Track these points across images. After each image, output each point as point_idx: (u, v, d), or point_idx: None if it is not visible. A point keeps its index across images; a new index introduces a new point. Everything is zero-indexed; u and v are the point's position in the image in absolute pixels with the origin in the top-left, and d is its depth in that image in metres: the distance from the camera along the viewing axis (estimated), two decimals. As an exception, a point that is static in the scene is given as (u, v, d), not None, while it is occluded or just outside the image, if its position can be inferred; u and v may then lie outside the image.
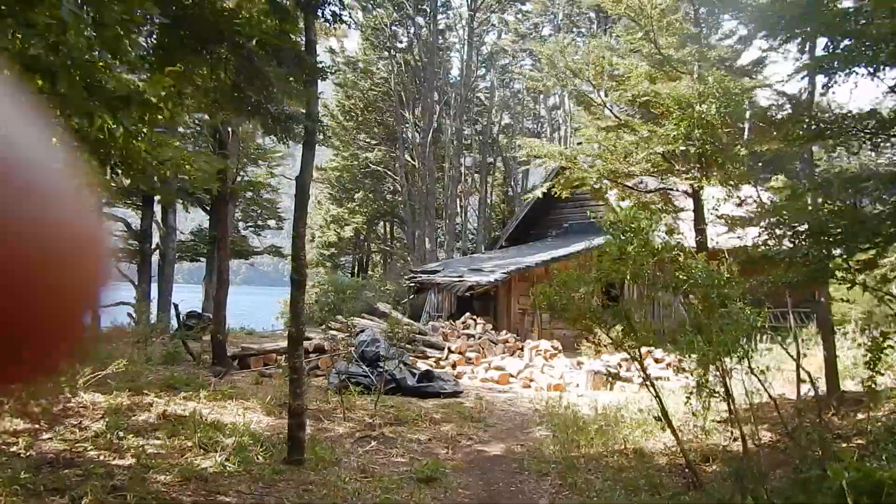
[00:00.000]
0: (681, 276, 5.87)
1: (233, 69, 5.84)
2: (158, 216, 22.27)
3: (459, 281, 17.37)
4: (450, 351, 12.82)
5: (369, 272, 35.12)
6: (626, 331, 6.34)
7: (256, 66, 5.71)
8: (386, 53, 33.05)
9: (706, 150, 9.67)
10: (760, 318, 5.75)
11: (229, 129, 11.66)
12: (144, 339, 12.66)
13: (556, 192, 13.48)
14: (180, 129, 21.67)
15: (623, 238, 6.45)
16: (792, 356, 6.65)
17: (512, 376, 11.78)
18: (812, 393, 6.42)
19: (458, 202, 35.68)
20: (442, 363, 12.50)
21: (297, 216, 6.11)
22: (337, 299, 23.12)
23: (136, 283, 21.81)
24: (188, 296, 24.54)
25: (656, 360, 13.56)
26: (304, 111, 6.70)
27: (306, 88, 5.89)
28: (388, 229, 37.31)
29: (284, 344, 12.28)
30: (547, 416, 8.84)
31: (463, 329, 15.06)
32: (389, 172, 33.08)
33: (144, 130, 5.90)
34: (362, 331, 12.93)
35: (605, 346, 16.33)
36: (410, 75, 33.22)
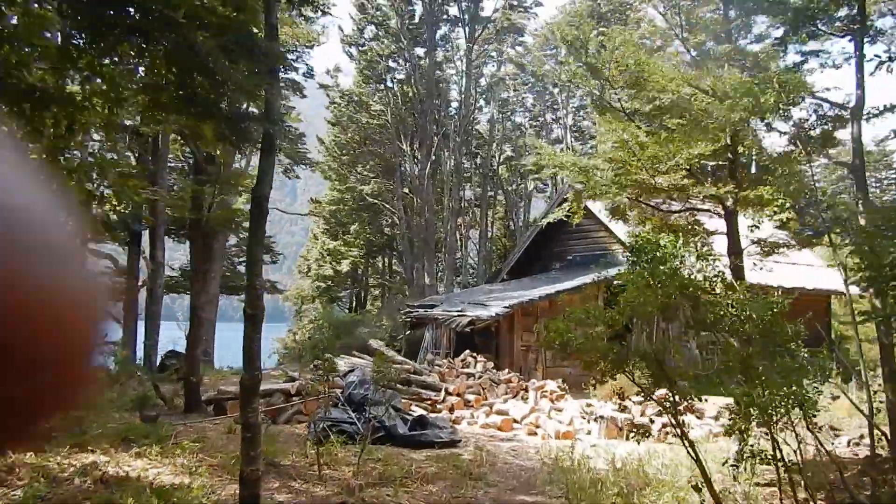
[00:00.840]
0: (727, 312, 4.67)
1: (176, 60, 4.75)
2: (147, 251, 21.19)
3: (459, 316, 16.15)
4: (447, 392, 11.56)
5: (368, 307, 33.88)
6: (656, 376, 5.14)
7: (204, 56, 4.62)
8: (382, 86, 32.30)
9: (744, 159, 8.45)
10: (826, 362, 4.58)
11: (204, 153, 10.59)
12: (114, 382, 11.44)
13: (569, 213, 12.26)
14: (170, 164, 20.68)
15: (647, 265, 5.27)
16: (856, 405, 5.44)
17: (516, 422, 10.51)
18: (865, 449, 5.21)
19: (457, 235, 34.61)
20: (438, 406, 11.23)
21: (253, 237, 4.97)
22: (331, 335, 21.89)
23: (122, 322, 20.64)
24: (179, 334, 23.36)
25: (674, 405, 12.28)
26: (271, 113, 5.57)
27: (266, 83, 4.80)
28: (386, 263, 36.17)
29: (267, 387, 11.05)
30: (557, 472, 7.58)
31: (462, 368, 13.80)
32: (387, 205, 32.05)
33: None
34: (350, 370, 11.71)
35: (617, 389, 15.07)
36: (408, 107, 32.42)
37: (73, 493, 5.89)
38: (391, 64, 32.35)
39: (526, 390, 13.21)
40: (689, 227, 10.39)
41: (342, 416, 9.12)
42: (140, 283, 21.07)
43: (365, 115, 32.40)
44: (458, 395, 11.60)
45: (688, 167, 9.25)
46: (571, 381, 16.66)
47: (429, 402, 11.26)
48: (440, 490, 6.70)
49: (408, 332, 18.69)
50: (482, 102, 36.83)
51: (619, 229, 19.60)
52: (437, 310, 17.31)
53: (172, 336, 19.28)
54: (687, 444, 5.01)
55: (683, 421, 5.60)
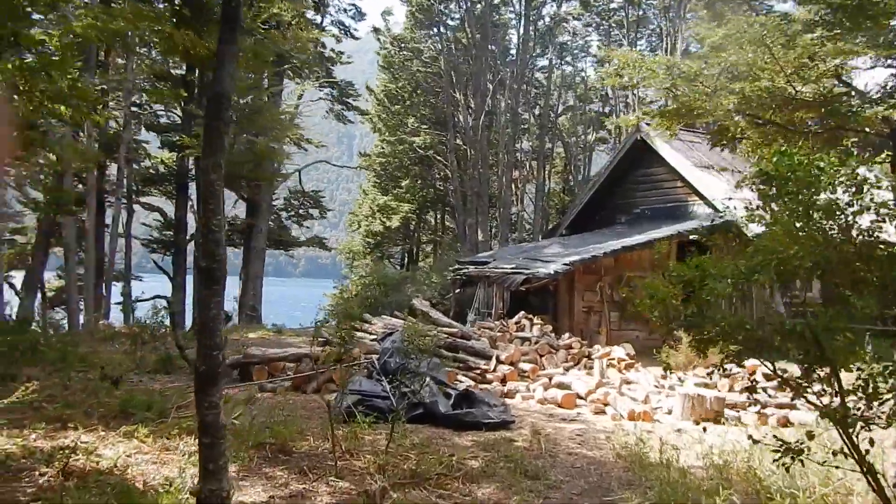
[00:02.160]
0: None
1: None
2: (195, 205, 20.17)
3: (513, 273, 14.52)
4: (499, 361, 10.01)
5: (420, 263, 32.52)
6: (812, 358, 3.43)
7: None
8: (434, 31, 30.32)
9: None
10: None
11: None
12: (136, 341, 10.32)
13: (658, 126, 10.17)
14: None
15: (795, 200, 3.52)
16: None
17: (580, 397, 8.89)
18: None
19: (513, 190, 32.74)
20: (488, 377, 9.70)
21: (209, 156, 3.43)
22: (380, 293, 20.59)
23: (172, 276, 19.78)
24: (230, 289, 22.46)
25: (767, 377, 10.47)
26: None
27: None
28: (438, 219, 34.62)
29: (296, 351, 9.73)
30: (636, 468, 5.97)
31: (516, 331, 12.23)
32: (439, 158, 30.35)
33: None
34: (389, 334, 10.27)
35: (694, 358, 13.24)
36: (462, 54, 30.42)
37: (20, 492, 4.60)
38: (444, 7, 30.30)
39: (589, 358, 11.58)
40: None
41: (374, 388, 7.67)
42: (188, 237, 20.15)
43: (417, 63, 30.58)
44: (511, 363, 10.04)
45: (838, 76, 7.21)
46: (639, 347, 14.91)
47: (477, 372, 9.74)
48: (488, 495, 5.18)
49: (457, 291, 17.17)
50: (540, 49, 34.42)
51: (700, 178, 17.50)
52: (488, 267, 15.70)
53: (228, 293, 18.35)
54: (864, 470, 3.29)
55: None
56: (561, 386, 9.21)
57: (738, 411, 8.46)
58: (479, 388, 9.23)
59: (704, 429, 6.44)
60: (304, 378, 8.81)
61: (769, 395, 9.14)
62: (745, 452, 6.16)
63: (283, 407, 7.49)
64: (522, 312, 12.97)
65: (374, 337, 10.55)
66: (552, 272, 13.89)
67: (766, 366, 3.89)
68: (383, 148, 30.66)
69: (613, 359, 11.33)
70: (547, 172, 35.45)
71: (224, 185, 3.56)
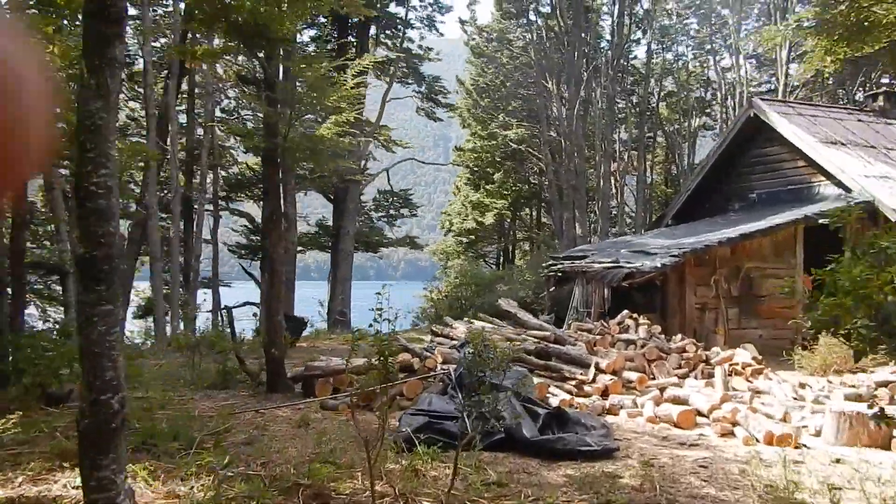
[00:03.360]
0: None
1: None
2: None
3: (614, 267, 12.76)
4: (598, 369, 8.35)
5: (516, 262, 30.95)
6: None
7: None
8: (524, 20, 28.69)
9: None
10: None
11: (279, 67, 8.01)
12: (194, 353, 9.42)
13: (817, 48, 8.31)
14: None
15: None
16: None
17: (700, 414, 7.13)
18: None
19: (612, 182, 30.57)
20: (586, 389, 8.08)
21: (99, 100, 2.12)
22: (471, 294, 19.25)
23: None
24: (316, 292, 21.85)
25: (934, 384, 8.31)
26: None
27: None
28: (533, 215, 32.89)
29: (360, 361, 8.48)
30: (790, 524, 4.28)
31: (619, 333, 10.51)
32: (532, 151, 28.68)
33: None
34: (468, 342, 8.83)
35: (832, 360, 11.03)
36: (553, 43, 28.61)
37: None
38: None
39: (707, 363, 9.72)
40: None
41: (446, 407, 6.28)
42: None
43: (506, 55, 29.06)
44: (613, 372, 8.37)
45: None
46: (762, 348, 12.80)
47: (573, 384, 8.14)
48: (581, 569, 3.66)
49: (552, 290, 15.52)
50: (638, 33, 32.02)
51: (827, 155, 15.05)
52: (586, 261, 13.98)
53: (314, 296, 17.57)
54: None
55: None
56: (676, 400, 7.48)
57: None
58: (574, 402, 7.66)
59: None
60: (370, 394, 7.52)
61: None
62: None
63: (339, 431, 6.25)
64: (626, 311, 11.22)
65: (455, 343, 9.15)
66: (659, 265, 12.05)
67: None
68: (474, 143, 29.31)
69: (737, 364, 9.45)
70: (648, 163, 33.02)
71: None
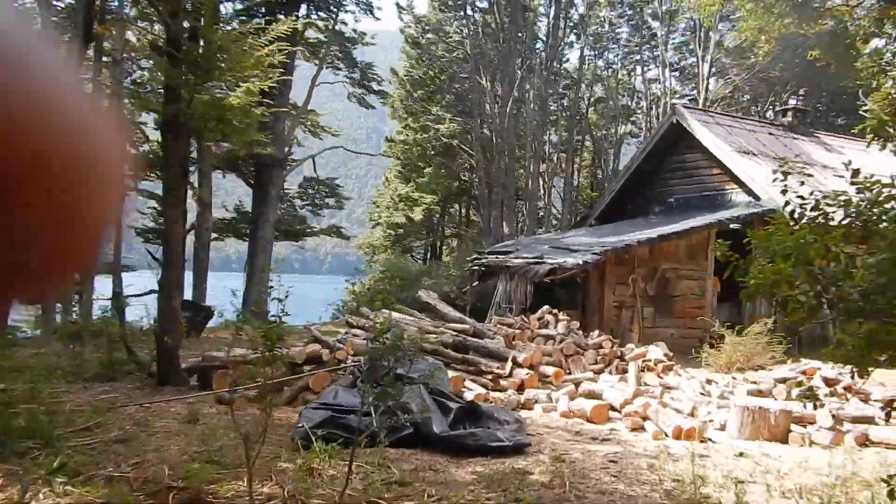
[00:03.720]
0: None
1: None
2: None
3: (536, 263, 12.71)
4: (516, 363, 8.20)
5: (443, 258, 30.80)
6: None
7: None
8: (461, 13, 28.53)
9: None
10: None
11: (185, 24, 7.41)
12: (76, 341, 8.66)
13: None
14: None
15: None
16: None
17: (613, 409, 7.07)
18: None
19: (540, 183, 30.81)
20: (503, 383, 7.91)
21: None
22: (394, 288, 18.92)
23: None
24: (239, 284, 20.97)
25: (828, 382, 8.55)
26: None
27: None
28: (463, 212, 32.82)
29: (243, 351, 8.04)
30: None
31: (539, 328, 10.42)
32: (464, 147, 28.57)
33: None
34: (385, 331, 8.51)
35: (736, 358, 11.29)
36: (489, 38, 28.57)
37: None
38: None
39: (622, 359, 9.75)
40: None
41: (352, 401, 5.96)
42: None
43: (442, 47, 28.83)
44: (530, 366, 8.24)
45: None
46: (673, 346, 13.05)
47: (490, 378, 7.96)
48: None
49: (475, 285, 15.39)
50: (572, 36, 32.38)
51: (740, 164, 15.49)
52: (510, 256, 13.90)
53: (223, 285, 16.77)
54: None
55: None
56: (590, 395, 7.39)
57: (806, 426, 6.57)
58: (490, 397, 7.48)
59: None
60: (275, 387, 7.11)
61: (839, 406, 7.26)
62: (839, 488, 4.36)
63: (232, 427, 5.81)
64: (546, 307, 11.16)
65: (368, 335, 8.82)
66: (581, 262, 12.06)
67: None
68: (406, 135, 28.95)
69: (649, 360, 9.51)
70: (575, 166, 33.48)
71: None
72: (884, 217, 2.78)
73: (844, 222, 3.07)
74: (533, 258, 12.98)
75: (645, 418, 6.68)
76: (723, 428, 6.57)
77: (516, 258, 13.45)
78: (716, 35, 27.79)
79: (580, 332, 10.45)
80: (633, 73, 34.88)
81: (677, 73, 34.37)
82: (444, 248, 33.03)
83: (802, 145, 17.74)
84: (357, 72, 25.14)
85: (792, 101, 19.20)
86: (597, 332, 10.52)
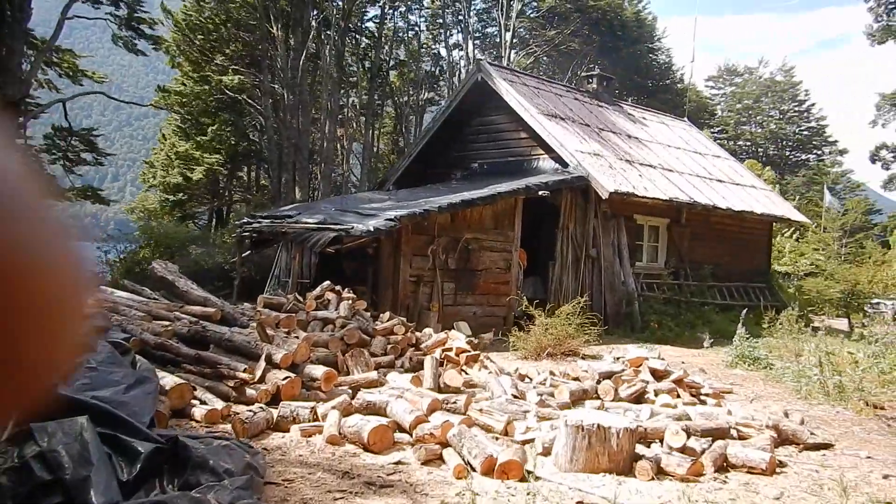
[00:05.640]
0: None
1: None
2: None
3: (319, 229, 10.35)
4: (271, 363, 5.80)
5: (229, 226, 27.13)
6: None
7: None
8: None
9: None
10: None
11: None
12: None
13: None
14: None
15: None
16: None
17: (402, 429, 4.97)
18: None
19: (337, 147, 28.27)
20: (250, 391, 5.50)
21: None
22: (158, 257, 15.46)
23: None
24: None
25: (657, 374, 7.28)
26: None
27: None
28: (252, 175, 29.32)
29: None
30: None
31: (316, 309, 8.10)
32: (253, 103, 25.11)
33: None
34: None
35: (547, 343, 9.87)
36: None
37: None
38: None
39: (417, 347, 7.79)
40: None
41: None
42: None
43: (226, -11, 24.97)
44: (292, 365, 5.88)
45: None
46: (476, 326, 11.47)
47: (233, 384, 5.50)
48: None
49: (248, 254, 12.66)
50: (373, -6, 29.93)
51: (547, 127, 14.26)
52: (289, 221, 11.36)
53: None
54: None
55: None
56: (370, 408, 5.23)
57: (650, 444, 5.01)
58: (231, 412, 5.06)
59: None
60: None
61: (681, 413, 5.88)
62: None
63: None
64: (328, 283, 8.84)
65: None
66: (371, 229, 9.90)
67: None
68: (185, 86, 24.80)
69: (451, 349, 7.63)
70: (376, 132, 31.36)
71: None
72: None
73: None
74: (315, 223, 10.58)
75: (444, 444, 4.66)
76: (548, 452, 4.76)
77: (296, 223, 10.94)
78: (517, 4, 27.07)
79: (368, 313, 8.31)
80: (437, 38, 33.40)
81: (479, 41, 33.50)
82: (231, 214, 29.31)
83: (608, 114, 17.12)
84: (123, 8, 20.75)
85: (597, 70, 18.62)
86: (388, 313, 8.44)
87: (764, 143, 47.39)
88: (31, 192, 0.36)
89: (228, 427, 4.90)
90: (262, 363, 5.62)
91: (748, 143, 47.44)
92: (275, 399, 5.44)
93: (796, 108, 46.78)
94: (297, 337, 6.46)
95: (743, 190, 17.76)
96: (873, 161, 38.68)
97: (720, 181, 17.41)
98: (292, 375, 5.57)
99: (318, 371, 5.77)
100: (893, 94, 35.57)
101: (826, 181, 38.26)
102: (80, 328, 0.38)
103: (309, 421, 5.04)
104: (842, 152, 47.04)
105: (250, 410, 4.98)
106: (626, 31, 34.13)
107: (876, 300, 18.53)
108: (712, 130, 42.42)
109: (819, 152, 47.33)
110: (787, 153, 47.69)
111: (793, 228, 24.03)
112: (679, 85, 40.55)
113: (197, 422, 5.05)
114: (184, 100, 24.51)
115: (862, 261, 22.02)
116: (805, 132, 47.21)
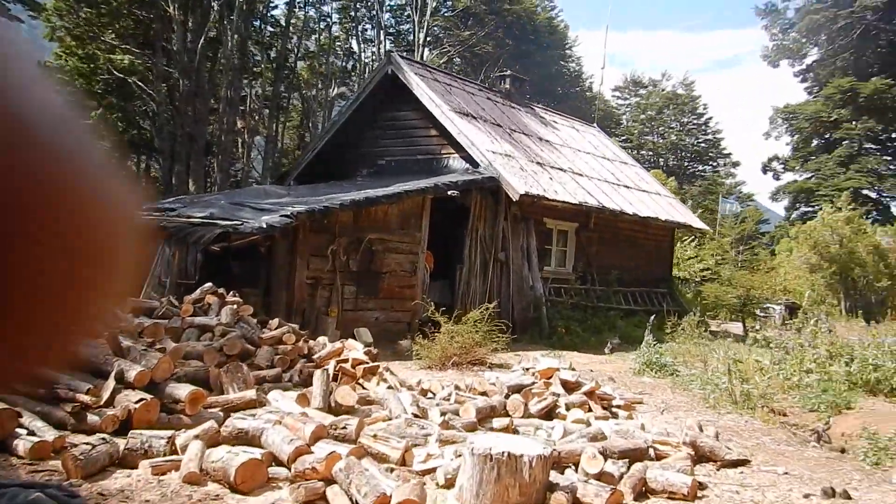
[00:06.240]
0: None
1: None
2: None
3: (204, 225, 9.30)
4: (121, 382, 4.83)
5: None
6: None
7: None
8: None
9: None
10: None
11: None
12: None
13: None
14: None
15: None
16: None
17: (278, 462, 4.17)
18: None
19: (238, 141, 26.78)
20: (92, 417, 4.53)
21: None
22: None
23: None
24: None
25: (568, 386, 6.81)
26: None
27: None
28: (143, 166, 27.30)
29: None
30: None
31: (194, 315, 7.11)
32: (144, 87, 23.25)
33: None
34: None
35: (453, 351, 9.27)
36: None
37: None
38: None
39: (309, 359, 6.99)
40: None
41: None
42: None
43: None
44: (153, 382, 4.94)
45: None
46: (377, 332, 10.70)
47: (72, 408, 4.51)
48: None
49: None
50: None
51: (459, 126, 13.71)
52: (173, 214, 10.22)
53: None
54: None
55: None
56: (242, 437, 4.39)
57: (564, 469, 4.47)
58: (66, 444, 4.10)
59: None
60: None
61: (595, 432, 5.40)
62: None
63: None
64: (209, 285, 7.85)
65: None
66: (264, 226, 8.96)
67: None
68: (66, 62, 22.64)
69: (346, 360, 6.86)
70: (280, 125, 29.98)
71: None
72: None
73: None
74: (201, 218, 9.52)
75: (329, 480, 3.90)
76: (451, 484, 4.10)
77: (178, 217, 9.83)
78: (432, 2, 26.58)
79: (255, 320, 7.40)
80: (350, 32, 32.38)
81: (392, 38, 32.74)
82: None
83: (520, 115, 16.80)
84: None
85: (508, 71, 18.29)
86: (277, 320, 7.56)
87: (665, 153, 49.24)
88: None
89: (59, 463, 3.96)
90: (112, 382, 4.66)
91: (650, 153, 49.15)
92: (126, 426, 4.50)
93: (695, 121, 48.92)
94: (162, 349, 5.51)
95: (649, 196, 17.91)
96: (765, 171, 40.88)
97: (627, 187, 17.47)
98: (148, 397, 4.64)
99: (182, 391, 4.86)
100: (785, 108, 37.83)
101: (721, 191, 40.06)
102: (129, 280, 0.34)
103: (164, 454, 4.15)
104: (735, 164, 49.63)
105: (87, 443, 4.03)
106: (538, 36, 34.38)
107: (766, 304, 19.26)
108: (618, 139, 43.58)
109: (714, 164, 49.67)
110: (686, 163, 49.75)
111: (692, 236, 24.73)
112: (588, 93, 41.37)
113: (20, 457, 4.07)
114: (65, 78, 22.31)
115: (756, 267, 22.92)
116: (703, 144, 49.40)
